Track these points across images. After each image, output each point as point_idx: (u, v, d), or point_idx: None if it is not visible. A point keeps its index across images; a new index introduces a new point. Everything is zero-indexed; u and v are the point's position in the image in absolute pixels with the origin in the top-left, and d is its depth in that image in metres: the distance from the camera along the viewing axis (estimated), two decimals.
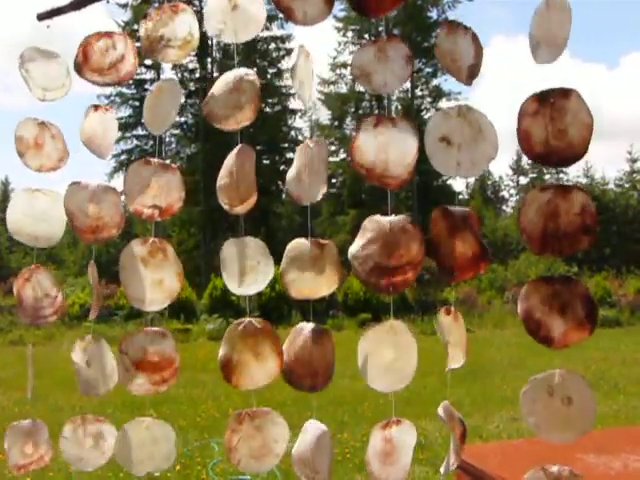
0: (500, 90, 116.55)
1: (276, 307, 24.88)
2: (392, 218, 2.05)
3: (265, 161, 50.91)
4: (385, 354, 2.12)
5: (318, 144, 2.18)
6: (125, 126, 49.70)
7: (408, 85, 52.63)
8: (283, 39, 51.66)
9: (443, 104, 53.75)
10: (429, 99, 54.71)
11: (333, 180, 52.51)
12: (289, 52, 50.60)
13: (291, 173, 2.18)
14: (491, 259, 2.05)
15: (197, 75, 50.83)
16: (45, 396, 10.56)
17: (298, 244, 2.16)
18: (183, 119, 50.67)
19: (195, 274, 39.98)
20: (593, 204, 1.86)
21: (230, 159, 2.21)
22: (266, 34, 50.87)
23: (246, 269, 2.21)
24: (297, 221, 51.04)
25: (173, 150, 50.69)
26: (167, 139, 50.91)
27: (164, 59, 2.34)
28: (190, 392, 11.75)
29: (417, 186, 48.68)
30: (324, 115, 54.00)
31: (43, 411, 9.58)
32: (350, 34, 54.29)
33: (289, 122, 53.41)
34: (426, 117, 53.01)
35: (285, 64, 51.12)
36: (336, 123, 55.17)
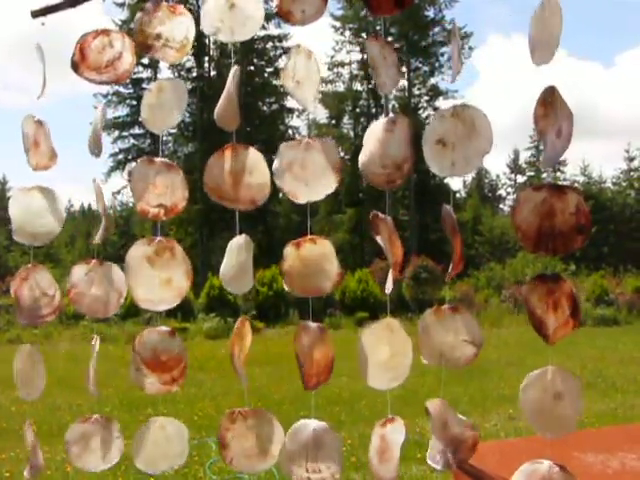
0: (497, 88, 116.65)
1: (273, 306, 24.90)
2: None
3: None
4: (382, 352, 2.12)
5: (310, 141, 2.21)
6: (122, 125, 49.71)
7: (405, 84, 52.69)
8: (280, 38, 51.69)
9: (440, 102, 53.83)
10: (426, 98, 54.77)
11: None
12: (286, 51, 50.56)
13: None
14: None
15: (194, 74, 50.82)
16: (43, 395, 10.51)
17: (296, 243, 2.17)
18: (180, 118, 50.58)
19: (193, 273, 39.91)
20: (586, 204, 1.87)
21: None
22: (263, 33, 50.87)
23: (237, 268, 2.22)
24: (295, 220, 51.03)
25: (170, 149, 50.70)
26: (164, 138, 50.64)
27: (162, 58, 2.33)
28: (187, 391, 11.74)
29: (414, 185, 48.74)
30: (321, 114, 54.00)
31: (41, 410, 9.58)
32: (347, 33, 54.34)
33: (286, 121, 53.42)
34: (423, 115, 53.08)
35: (282, 63, 51.18)
36: (333, 122, 55.19)
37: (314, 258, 2.14)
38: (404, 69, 53.02)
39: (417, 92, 54.57)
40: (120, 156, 50.58)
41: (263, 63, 51.91)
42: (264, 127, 48.77)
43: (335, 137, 53.66)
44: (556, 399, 1.93)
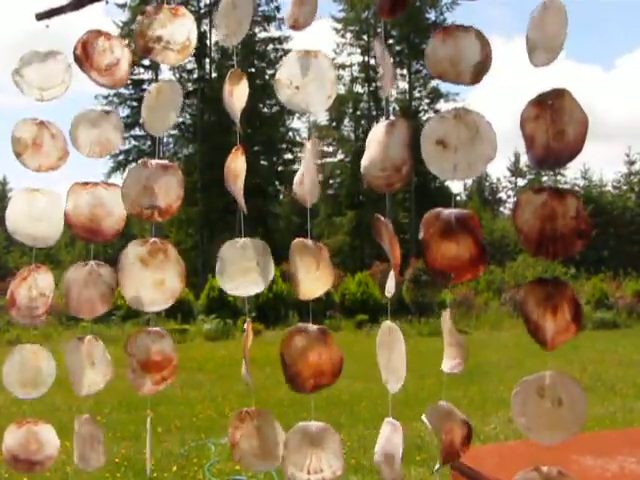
0: (498, 91, 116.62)
1: (273, 308, 24.87)
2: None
3: (263, 162, 50.96)
4: (383, 355, 2.13)
5: (312, 143, 2.19)
6: (123, 126, 49.72)
7: (406, 86, 52.73)
8: (281, 40, 51.76)
9: (441, 105, 53.86)
10: (427, 100, 54.81)
11: (331, 181, 52.58)
12: (287, 53, 50.54)
13: (297, 176, 2.19)
14: (488, 261, 2.06)
15: (195, 76, 50.87)
16: (42, 396, 10.49)
17: (303, 244, 2.16)
18: (181, 119, 50.68)
19: (192, 274, 39.99)
20: (586, 208, 1.87)
21: None
22: (264, 35, 50.98)
23: (244, 270, 2.20)
24: (295, 222, 51.06)
25: (171, 150, 50.77)
26: (165, 139, 50.92)
27: (163, 60, 2.33)
28: (187, 393, 11.74)
29: (415, 188, 48.74)
30: (322, 116, 54.05)
31: (40, 410, 9.55)
32: (349, 35, 54.39)
33: (287, 123, 53.46)
34: (424, 118, 53.11)
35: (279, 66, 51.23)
36: (334, 124, 55.22)
37: None
38: (405, 72, 53.08)
39: (418, 95, 54.63)
40: (121, 157, 50.63)
41: (264, 65, 51.96)
42: (264, 129, 48.80)
43: (336, 139, 53.79)
44: (555, 405, 1.93)
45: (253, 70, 50.09)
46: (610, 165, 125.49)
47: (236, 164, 2.24)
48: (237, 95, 2.25)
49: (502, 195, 76.73)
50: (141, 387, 2.36)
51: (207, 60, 51.09)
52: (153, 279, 2.30)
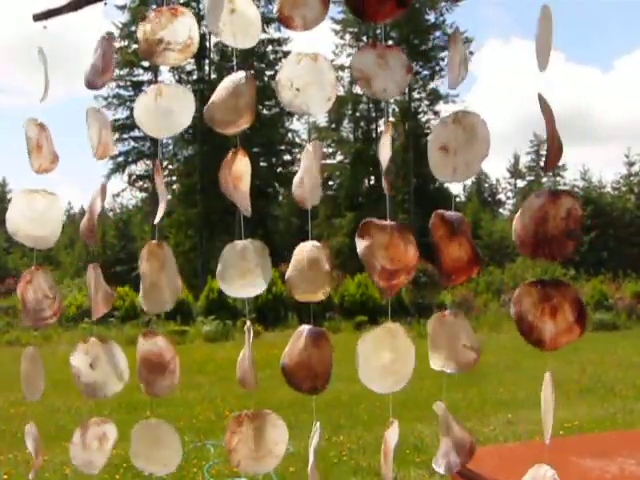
0: (497, 93, 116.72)
1: (273, 309, 24.88)
2: (387, 222, 2.06)
3: (262, 163, 50.96)
4: (382, 356, 2.12)
5: (314, 146, 2.19)
6: (122, 128, 49.73)
7: (405, 88, 52.78)
8: (280, 42, 51.81)
9: (440, 107, 53.90)
10: (426, 102, 54.83)
11: (330, 182, 52.60)
12: (286, 55, 50.56)
13: (296, 178, 2.19)
14: (483, 263, 2.09)
15: (195, 77, 50.92)
16: (42, 397, 10.50)
17: (304, 247, 2.17)
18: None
19: (192, 276, 40.00)
20: (579, 208, 1.87)
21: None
22: (263, 37, 50.96)
23: (243, 272, 2.21)
24: (295, 224, 51.07)
25: (170, 152, 50.74)
26: (164, 141, 50.77)
27: (163, 62, 2.33)
28: (186, 394, 11.74)
29: (414, 189, 48.76)
30: (321, 117, 54.09)
31: (40, 412, 9.56)
32: (348, 37, 54.46)
33: (286, 124, 53.47)
34: (423, 120, 53.19)
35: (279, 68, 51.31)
36: (333, 125, 55.24)
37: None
38: None
39: (417, 96, 54.65)
40: (120, 159, 50.60)
41: (263, 66, 52.00)
42: (264, 130, 48.79)
43: (335, 141, 53.81)
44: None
45: (252, 71, 50.07)
46: (609, 166, 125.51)
47: (237, 167, 2.24)
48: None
49: (501, 196, 76.87)
50: (159, 391, 2.38)
51: (207, 61, 51.14)
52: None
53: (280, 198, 53.15)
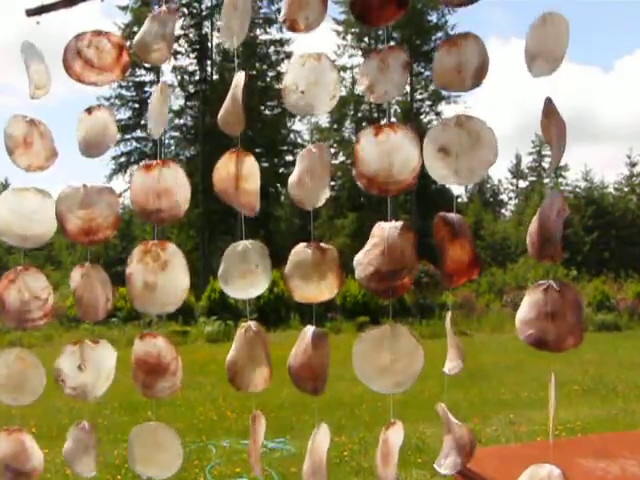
0: (499, 93, 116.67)
1: (274, 310, 24.88)
2: (391, 223, 2.06)
3: (264, 164, 50.95)
4: (383, 357, 2.12)
5: (320, 148, 2.18)
6: (124, 128, 49.75)
7: (407, 89, 52.71)
8: (282, 42, 51.76)
9: (442, 107, 53.90)
10: (428, 102, 54.84)
11: (332, 183, 52.41)
12: (288, 55, 50.62)
13: (293, 178, 2.17)
14: (483, 265, 2.11)
15: (197, 77, 50.90)
16: (42, 397, 10.51)
17: (302, 249, 2.16)
18: (182, 121, 50.75)
19: (194, 276, 39.94)
20: (567, 208, 1.89)
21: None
22: (265, 37, 50.97)
23: (244, 273, 2.21)
24: (296, 224, 51.05)
25: (172, 152, 50.72)
26: (166, 141, 50.94)
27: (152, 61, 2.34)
28: (188, 394, 11.74)
29: (416, 191, 48.74)
30: (323, 118, 54.07)
31: (41, 413, 9.56)
32: (349, 37, 54.42)
33: (288, 125, 53.44)
34: (425, 120, 53.17)
35: (284, 67, 51.32)
36: (335, 126, 55.23)
37: None
38: None
39: (419, 97, 54.65)
40: (122, 159, 50.62)
41: (265, 67, 51.98)
42: (266, 131, 48.80)
43: (337, 142, 53.79)
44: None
45: (254, 72, 50.11)
46: (611, 167, 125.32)
47: (245, 167, 2.23)
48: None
49: (503, 197, 76.81)
50: (157, 393, 2.36)
51: (209, 62, 51.13)
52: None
53: (282, 199, 53.14)
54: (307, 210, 2.17)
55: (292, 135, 54.04)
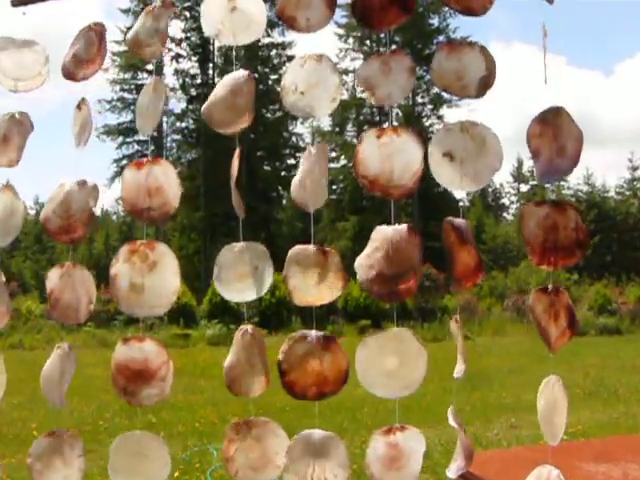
0: (501, 97, 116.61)
1: (276, 313, 24.87)
2: (394, 227, 2.06)
3: (266, 167, 51.02)
4: (388, 361, 2.11)
5: (320, 149, 2.17)
6: (126, 131, 49.81)
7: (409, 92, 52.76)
8: (284, 46, 51.84)
9: (444, 111, 53.89)
10: (430, 106, 54.83)
11: (334, 186, 52.54)
12: (290, 58, 50.62)
13: (295, 179, 2.17)
14: (484, 270, 2.13)
15: (198, 81, 50.95)
16: (44, 400, 10.52)
17: (301, 250, 2.14)
18: (184, 124, 50.82)
19: (195, 279, 39.99)
20: (587, 214, 1.94)
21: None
22: (267, 40, 51.02)
23: (241, 275, 2.18)
24: (298, 227, 51.04)
25: (174, 155, 50.77)
26: (168, 144, 51.02)
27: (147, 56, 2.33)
28: (189, 398, 11.73)
29: (418, 194, 48.72)
30: (325, 121, 54.11)
31: (42, 415, 9.56)
32: (351, 41, 54.45)
33: (290, 128, 53.49)
34: (427, 124, 53.16)
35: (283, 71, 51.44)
36: (337, 129, 55.23)
37: None
38: None
39: (421, 100, 54.65)
40: (124, 162, 50.64)
41: (267, 70, 52.04)
42: (268, 134, 48.82)
43: (338, 145, 53.78)
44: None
45: (256, 75, 50.14)
46: (613, 171, 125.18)
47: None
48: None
49: (505, 201, 76.79)
50: (141, 401, 2.29)
51: (210, 65, 51.18)
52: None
53: (284, 202, 53.17)
54: (308, 212, 2.16)
55: (294, 138, 54.10)
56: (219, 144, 41.41)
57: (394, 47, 2.23)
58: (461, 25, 52.84)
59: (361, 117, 54.99)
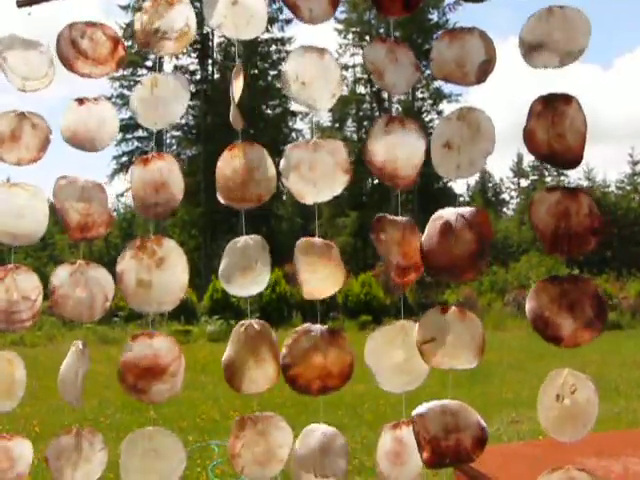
0: (499, 92, 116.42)
1: (277, 309, 24.89)
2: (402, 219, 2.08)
3: None
4: (395, 355, 2.12)
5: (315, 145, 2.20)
6: (126, 128, 49.74)
7: None
8: (284, 41, 51.75)
9: (444, 106, 53.82)
10: (430, 101, 54.76)
11: None
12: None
13: (282, 164, 2.20)
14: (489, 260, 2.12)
15: (198, 77, 50.87)
16: (45, 397, 10.56)
17: (308, 243, 2.15)
18: (184, 121, 50.72)
19: (196, 276, 40.00)
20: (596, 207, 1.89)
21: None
22: (267, 36, 50.94)
23: (245, 270, 2.19)
24: (298, 223, 51.05)
25: (174, 151, 50.74)
26: (168, 141, 50.94)
27: (160, 51, 2.30)
28: (190, 394, 11.73)
29: (418, 188, 48.71)
30: (325, 117, 54.05)
31: (44, 412, 9.57)
32: (351, 36, 54.39)
33: (290, 124, 53.46)
34: (427, 119, 53.08)
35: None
36: (337, 125, 55.19)
37: None
38: None
39: (420, 95, 54.58)
40: (124, 159, 50.62)
41: (267, 66, 51.97)
42: (268, 130, 48.76)
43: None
44: (569, 404, 1.92)
45: (256, 71, 50.08)
46: (614, 165, 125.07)
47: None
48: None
49: (505, 196, 76.70)
50: (152, 397, 2.27)
51: (210, 61, 51.11)
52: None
53: (284, 197, 53.17)
54: (309, 207, 2.17)
55: (294, 134, 54.04)
56: (219, 140, 41.37)
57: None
58: (460, 21, 52.74)
59: (361, 113, 54.94)
